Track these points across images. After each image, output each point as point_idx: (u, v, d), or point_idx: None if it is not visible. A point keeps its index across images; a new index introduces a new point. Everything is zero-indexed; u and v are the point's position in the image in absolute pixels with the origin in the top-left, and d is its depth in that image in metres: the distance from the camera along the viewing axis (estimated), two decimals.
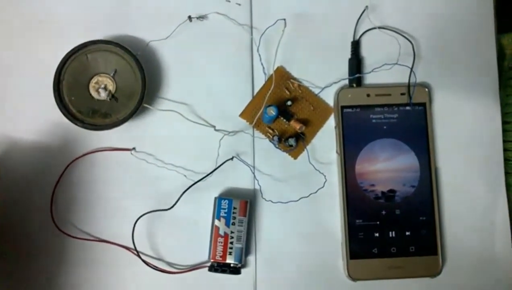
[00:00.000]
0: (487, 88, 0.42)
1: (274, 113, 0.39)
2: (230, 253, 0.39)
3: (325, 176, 0.40)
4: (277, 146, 0.41)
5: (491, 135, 0.41)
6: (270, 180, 0.41)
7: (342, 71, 0.42)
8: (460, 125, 0.42)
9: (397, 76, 0.41)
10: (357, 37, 0.42)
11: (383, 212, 0.40)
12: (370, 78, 0.42)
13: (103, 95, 0.39)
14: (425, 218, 0.40)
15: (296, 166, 0.41)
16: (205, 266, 0.39)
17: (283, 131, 0.41)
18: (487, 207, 0.41)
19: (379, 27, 0.42)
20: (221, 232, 0.39)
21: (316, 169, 0.40)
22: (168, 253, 0.40)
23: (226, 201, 0.39)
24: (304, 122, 0.41)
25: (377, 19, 0.42)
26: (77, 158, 0.40)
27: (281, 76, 0.41)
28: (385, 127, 0.41)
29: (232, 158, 0.40)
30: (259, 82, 0.42)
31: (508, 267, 0.40)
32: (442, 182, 0.41)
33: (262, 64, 0.41)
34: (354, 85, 0.41)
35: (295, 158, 0.41)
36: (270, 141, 0.41)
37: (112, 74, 0.40)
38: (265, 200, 0.40)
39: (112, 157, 0.41)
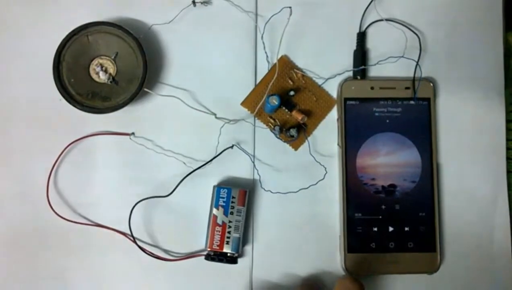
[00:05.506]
0: (492, 86, 0.41)
1: (276, 103, 0.38)
2: (227, 243, 0.38)
3: (325, 168, 0.40)
4: (278, 136, 0.40)
5: (494, 133, 0.41)
6: (270, 170, 0.40)
7: (346, 62, 0.41)
8: (464, 121, 0.41)
9: (402, 69, 0.41)
10: (363, 29, 0.41)
11: (383, 207, 0.39)
12: (374, 71, 0.41)
13: (103, 77, 0.39)
14: (424, 214, 0.40)
15: (297, 157, 0.40)
16: (202, 255, 0.39)
17: (285, 121, 0.41)
18: (487, 205, 0.41)
19: (386, 19, 0.41)
20: (219, 221, 0.38)
21: (316, 161, 0.40)
22: (165, 240, 0.40)
23: (225, 190, 0.39)
24: (306, 113, 0.40)
25: (384, 11, 0.41)
26: (75, 141, 0.40)
27: (285, 65, 0.41)
28: (388, 121, 0.40)
29: (232, 147, 0.40)
30: (262, 71, 0.41)
31: (507, 266, 0.40)
32: (443, 179, 0.41)
33: (265, 52, 0.41)
34: (358, 77, 0.41)
35: (296, 149, 0.41)
36: (271, 131, 0.40)
37: (113, 57, 0.39)
38: (264, 190, 0.40)
39: (111, 141, 0.40)
